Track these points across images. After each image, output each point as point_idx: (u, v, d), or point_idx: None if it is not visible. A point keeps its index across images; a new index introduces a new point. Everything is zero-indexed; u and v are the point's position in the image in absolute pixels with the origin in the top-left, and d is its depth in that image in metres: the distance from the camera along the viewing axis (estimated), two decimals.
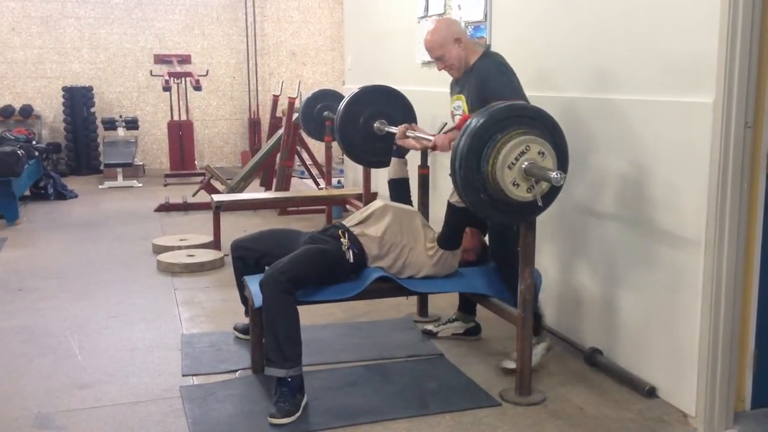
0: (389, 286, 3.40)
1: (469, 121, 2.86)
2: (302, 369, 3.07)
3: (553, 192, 2.87)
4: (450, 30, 3.46)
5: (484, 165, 2.75)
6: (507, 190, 2.73)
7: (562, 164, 2.84)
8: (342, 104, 4.19)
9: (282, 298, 3.03)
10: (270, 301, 3.03)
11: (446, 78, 5.03)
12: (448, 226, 3.40)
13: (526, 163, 2.71)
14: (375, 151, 4.10)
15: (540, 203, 2.80)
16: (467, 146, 2.77)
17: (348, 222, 3.56)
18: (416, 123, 4.14)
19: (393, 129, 3.99)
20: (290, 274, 3.07)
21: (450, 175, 2.91)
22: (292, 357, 3.02)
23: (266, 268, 3.28)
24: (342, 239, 3.36)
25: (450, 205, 3.33)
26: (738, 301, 2.86)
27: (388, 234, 3.42)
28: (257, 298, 3.25)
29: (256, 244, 3.59)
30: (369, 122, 4.11)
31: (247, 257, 3.55)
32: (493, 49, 3.66)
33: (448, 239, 3.41)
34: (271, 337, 3.03)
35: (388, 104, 4.18)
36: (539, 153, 2.72)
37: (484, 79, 3.33)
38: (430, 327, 3.97)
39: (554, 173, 2.65)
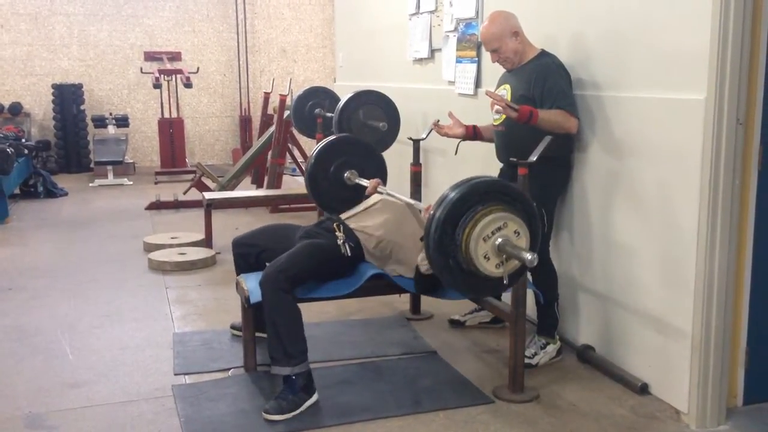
0: (386, 283, 3.38)
1: (448, 190, 2.80)
2: (309, 366, 3.07)
3: (519, 272, 2.85)
4: (508, 23, 3.45)
5: (459, 232, 2.72)
6: (477, 262, 2.70)
7: (533, 248, 2.81)
8: (315, 150, 4.12)
9: (281, 296, 3.02)
10: (270, 300, 3.03)
11: (436, 76, 5.05)
12: (421, 285, 3.33)
13: (500, 240, 2.69)
14: (342, 199, 4.05)
15: (506, 281, 2.77)
16: (447, 211, 2.72)
17: (345, 215, 3.54)
18: (386, 181, 4.08)
19: (364, 182, 3.94)
20: (289, 272, 3.06)
21: (421, 239, 2.88)
22: (297, 354, 3.02)
23: (266, 264, 3.28)
24: (337, 233, 3.35)
25: (417, 270, 3.27)
26: (730, 298, 2.87)
27: (385, 231, 3.39)
28: (251, 296, 3.25)
29: (256, 240, 3.61)
30: (340, 171, 4.05)
31: (248, 254, 3.57)
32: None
33: (424, 290, 3.36)
34: (273, 336, 3.02)
35: (361, 157, 4.13)
36: (515, 232, 2.70)
37: (544, 75, 3.34)
38: (457, 317, 4.02)
39: (528, 254, 2.63)
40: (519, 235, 2.71)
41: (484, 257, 2.70)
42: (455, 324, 4.00)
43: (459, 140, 3.79)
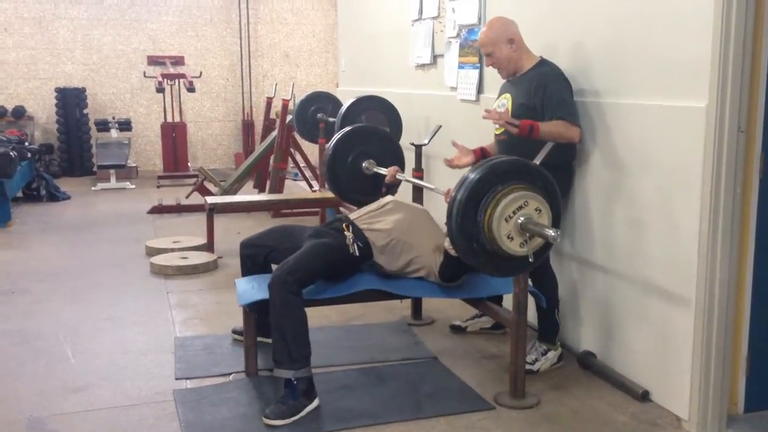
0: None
1: (468, 171, 2.84)
2: (312, 371, 3.07)
3: (544, 249, 2.87)
4: (506, 29, 3.48)
5: (481, 214, 2.75)
6: (501, 243, 2.73)
7: (555, 224, 2.84)
8: (333, 140, 4.17)
9: (289, 299, 3.03)
10: (278, 303, 3.03)
11: (438, 82, 5.06)
12: (447, 270, 3.32)
13: (522, 218, 2.72)
14: (360, 189, 4.09)
15: (531, 259, 2.81)
16: (467, 194, 2.75)
17: (355, 215, 3.55)
18: (403, 167, 4.12)
19: (382, 170, 3.97)
20: (297, 274, 3.07)
21: (446, 223, 2.91)
22: (300, 358, 3.02)
23: (272, 265, 3.28)
24: (346, 232, 3.36)
25: (446, 253, 3.26)
26: (731, 305, 2.87)
27: (396, 229, 3.39)
28: (239, 299, 3.27)
29: (264, 240, 3.62)
30: (357, 161, 4.09)
31: (257, 255, 3.58)
32: None
33: (450, 277, 3.35)
34: (279, 339, 3.03)
35: (378, 146, 4.17)
36: (536, 210, 2.73)
37: (544, 84, 3.35)
38: (458, 322, 4.02)
39: (551, 231, 2.67)
40: (540, 213, 2.73)
41: (508, 237, 2.72)
42: (456, 330, 4.00)
43: (470, 167, 3.71)
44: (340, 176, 4.10)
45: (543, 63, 3.48)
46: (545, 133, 3.26)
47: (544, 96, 3.34)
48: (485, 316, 3.92)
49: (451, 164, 3.77)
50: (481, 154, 3.70)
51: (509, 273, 3.00)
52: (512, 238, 2.73)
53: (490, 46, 3.49)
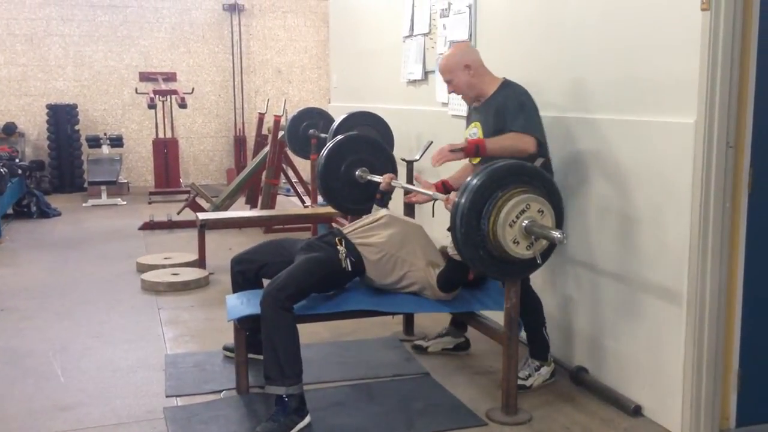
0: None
1: (469, 178, 2.87)
2: (303, 388, 3.06)
3: (550, 249, 2.92)
4: (463, 56, 3.47)
5: (484, 222, 2.77)
6: (507, 248, 2.75)
7: (559, 222, 2.87)
8: (324, 151, 4.17)
9: (281, 315, 3.02)
10: (269, 319, 3.02)
11: (429, 97, 5.08)
12: (450, 275, 3.32)
13: (526, 222, 2.74)
14: (354, 198, 4.09)
15: (539, 261, 2.84)
16: (469, 203, 2.78)
17: (348, 228, 3.54)
18: (396, 174, 4.12)
19: (377, 178, 3.96)
20: (288, 290, 3.06)
21: (448, 229, 2.91)
22: (292, 375, 3.01)
23: (264, 280, 3.28)
24: (339, 247, 3.36)
25: (450, 258, 3.27)
26: (722, 320, 2.88)
27: (389, 243, 3.39)
28: (228, 313, 3.27)
29: (255, 255, 3.61)
30: (350, 169, 4.10)
31: (248, 270, 3.57)
32: None
33: (450, 285, 3.35)
34: (270, 355, 3.02)
35: (370, 154, 4.18)
36: (539, 211, 2.76)
37: (504, 106, 3.34)
38: (420, 342, 3.99)
39: (557, 233, 2.69)
40: (543, 214, 2.77)
41: (514, 242, 2.76)
42: (419, 350, 3.94)
43: (433, 201, 3.60)
44: (333, 186, 4.09)
45: (506, 85, 3.44)
46: (493, 149, 3.22)
47: (505, 116, 3.32)
48: (448, 336, 3.91)
49: (409, 201, 3.76)
50: (443, 187, 3.56)
51: (518, 276, 3.03)
52: (518, 243, 2.76)
53: (447, 74, 3.49)
